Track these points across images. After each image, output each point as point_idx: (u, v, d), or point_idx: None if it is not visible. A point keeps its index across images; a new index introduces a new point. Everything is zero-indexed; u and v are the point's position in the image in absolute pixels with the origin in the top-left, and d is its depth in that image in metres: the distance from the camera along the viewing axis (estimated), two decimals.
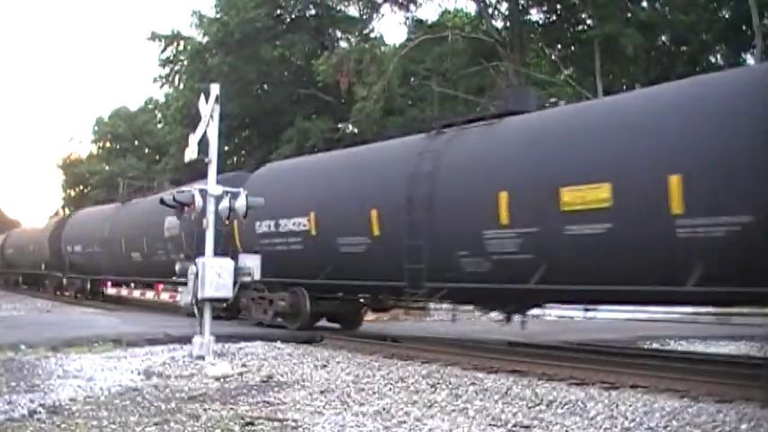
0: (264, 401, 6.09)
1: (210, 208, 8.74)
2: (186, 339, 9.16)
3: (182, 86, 34.89)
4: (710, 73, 9.83)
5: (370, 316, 17.93)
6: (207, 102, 8.82)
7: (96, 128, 55.53)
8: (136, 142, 53.39)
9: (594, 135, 8.07)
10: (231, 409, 5.71)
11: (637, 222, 7.21)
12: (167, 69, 35.92)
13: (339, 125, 27.21)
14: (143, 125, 51.92)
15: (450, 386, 7.00)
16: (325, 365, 8.40)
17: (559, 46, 27.91)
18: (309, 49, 29.83)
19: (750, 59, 23.32)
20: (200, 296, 8.48)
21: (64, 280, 24.96)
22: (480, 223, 8.63)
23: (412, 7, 29.54)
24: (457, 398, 6.41)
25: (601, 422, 5.43)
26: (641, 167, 7.30)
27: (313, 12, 31.46)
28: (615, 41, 21.95)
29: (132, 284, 18.82)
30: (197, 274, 8.52)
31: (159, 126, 48.39)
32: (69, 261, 23.89)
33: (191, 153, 8.78)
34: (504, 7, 27.25)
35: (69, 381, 6.92)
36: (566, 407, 6.01)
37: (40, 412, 5.40)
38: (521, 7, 25.99)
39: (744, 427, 5.28)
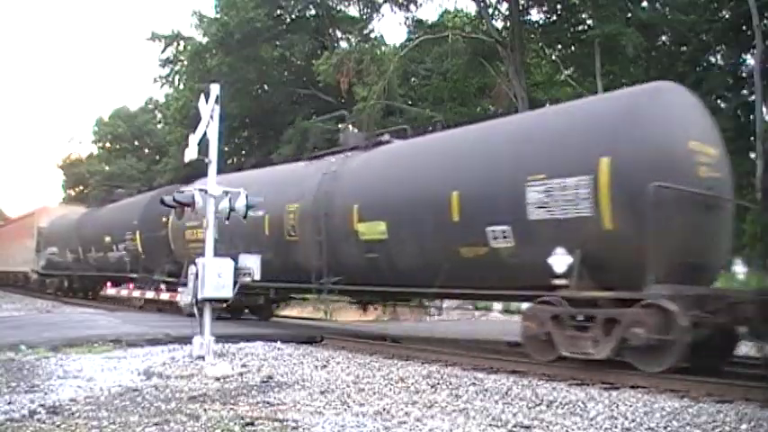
0: (264, 402, 6.09)
1: (210, 208, 8.73)
2: (186, 339, 9.16)
3: (182, 87, 34.96)
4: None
5: (370, 316, 17.95)
6: (207, 102, 8.81)
7: (96, 128, 55.61)
8: (136, 142, 53.47)
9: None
10: (231, 409, 5.70)
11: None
12: (167, 69, 36.02)
13: (339, 125, 27.18)
14: (143, 125, 52.00)
15: (451, 386, 7.00)
16: (325, 366, 8.40)
17: (559, 46, 27.92)
18: (309, 49, 29.86)
19: (750, 60, 23.34)
20: (200, 296, 8.47)
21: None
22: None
23: (412, 7, 29.63)
24: (457, 398, 6.41)
25: (601, 422, 5.42)
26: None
27: (313, 12, 31.50)
28: (615, 41, 21.96)
29: (131, 285, 18.99)
30: (197, 275, 8.51)
31: (159, 126, 48.51)
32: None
33: (190, 153, 8.76)
34: (504, 7, 27.30)
35: (69, 381, 6.92)
36: (566, 407, 6.02)
37: (40, 412, 5.40)
38: (521, 7, 26.00)
39: (744, 427, 5.28)
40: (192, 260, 12.72)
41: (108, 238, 19.64)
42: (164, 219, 16.41)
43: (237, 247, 11.99)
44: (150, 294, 16.93)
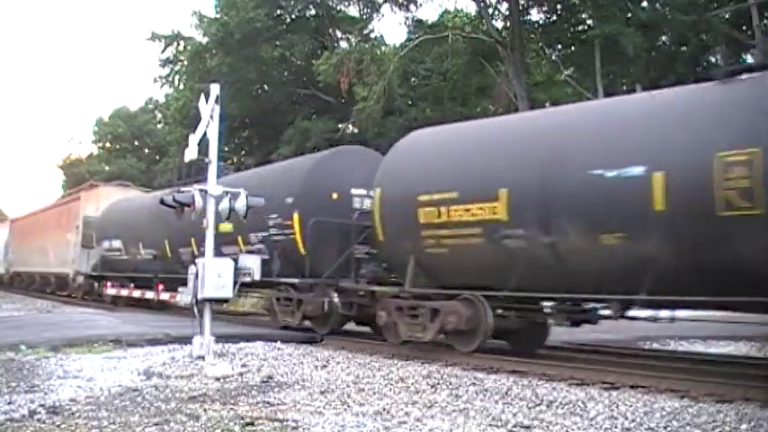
0: (264, 402, 6.09)
1: (210, 208, 8.72)
2: (186, 339, 9.16)
3: (182, 87, 34.95)
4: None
5: None
6: (207, 102, 8.81)
7: (96, 128, 55.65)
8: (136, 142, 53.51)
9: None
10: (231, 409, 5.70)
11: None
12: (167, 70, 36.00)
13: (339, 125, 27.23)
14: (143, 125, 52.02)
15: (451, 386, 7.00)
16: (325, 366, 8.40)
17: (559, 46, 27.90)
18: (309, 49, 29.86)
19: (750, 60, 23.32)
20: (200, 296, 8.47)
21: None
22: None
23: (412, 7, 29.59)
24: (457, 398, 6.41)
25: (601, 422, 5.43)
26: None
27: (313, 12, 31.47)
28: (615, 41, 21.94)
29: (132, 284, 18.35)
30: (197, 275, 8.51)
31: (159, 126, 48.53)
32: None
33: (190, 153, 8.76)
34: (504, 7, 27.26)
35: (69, 381, 6.92)
36: (566, 407, 6.02)
37: (40, 412, 5.40)
38: (521, 7, 25.98)
39: (744, 427, 5.28)
40: (420, 256, 9.25)
41: (229, 227, 12.49)
42: (359, 192, 11.27)
43: (562, 232, 7.70)
44: (150, 294, 16.50)
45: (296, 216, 11.26)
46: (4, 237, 32.28)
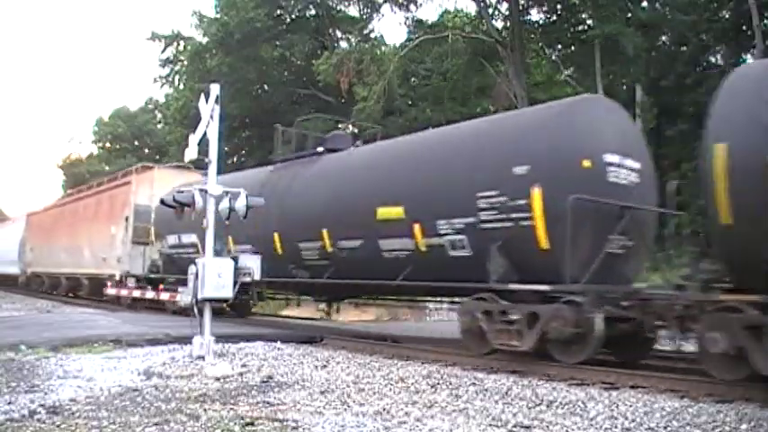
0: (264, 402, 6.09)
1: (210, 208, 8.71)
2: (186, 339, 9.15)
3: (182, 87, 35.03)
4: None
5: (370, 316, 17.90)
6: (207, 102, 8.80)
7: (96, 128, 55.75)
8: (136, 142, 53.56)
9: None
10: (231, 409, 5.70)
11: None
12: (167, 69, 36.13)
13: (339, 125, 27.24)
14: (143, 125, 52.09)
15: (451, 386, 7.00)
16: (325, 366, 8.40)
17: (559, 46, 27.94)
18: (309, 49, 29.94)
19: (750, 60, 23.34)
20: (200, 296, 8.46)
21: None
22: None
23: (412, 7, 29.67)
24: (457, 398, 6.41)
25: (601, 422, 5.42)
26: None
27: (313, 12, 31.55)
28: (615, 41, 21.97)
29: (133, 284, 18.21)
30: (197, 275, 8.50)
31: (159, 126, 48.62)
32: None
33: (190, 153, 8.76)
34: (504, 7, 27.33)
35: (69, 381, 6.92)
36: (566, 407, 6.02)
37: (40, 412, 5.40)
38: (521, 7, 26.01)
39: (744, 427, 5.28)
40: None
41: (398, 212, 9.64)
42: (613, 159, 8.17)
43: None
44: (150, 294, 16.37)
45: (536, 193, 7.83)
46: (19, 234, 28.56)
